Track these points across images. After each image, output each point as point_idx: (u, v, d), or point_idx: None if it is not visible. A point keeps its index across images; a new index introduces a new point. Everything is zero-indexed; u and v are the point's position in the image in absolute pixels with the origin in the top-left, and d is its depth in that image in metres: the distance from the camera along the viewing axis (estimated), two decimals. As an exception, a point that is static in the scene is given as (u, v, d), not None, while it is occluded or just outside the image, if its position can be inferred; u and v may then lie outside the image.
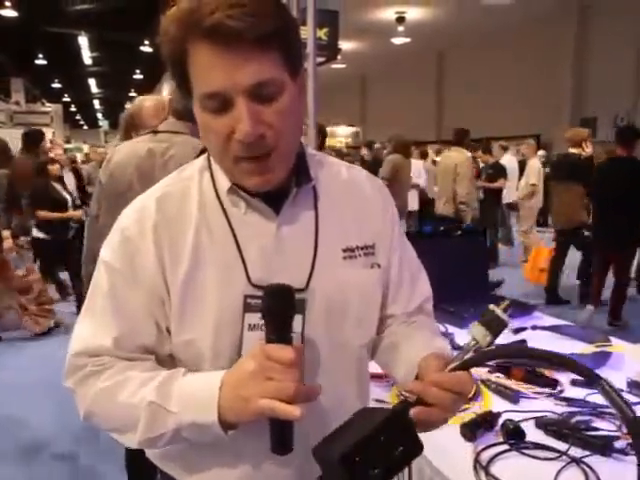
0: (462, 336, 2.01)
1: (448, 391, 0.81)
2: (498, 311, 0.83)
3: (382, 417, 0.78)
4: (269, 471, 0.94)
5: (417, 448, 0.80)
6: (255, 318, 0.88)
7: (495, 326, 0.83)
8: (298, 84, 0.88)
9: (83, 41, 17.42)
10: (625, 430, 1.38)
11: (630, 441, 1.32)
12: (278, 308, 0.82)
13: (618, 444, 1.31)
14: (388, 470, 0.77)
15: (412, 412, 0.81)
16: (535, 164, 8.32)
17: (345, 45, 14.43)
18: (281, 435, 0.80)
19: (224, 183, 0.93)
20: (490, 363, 1.71)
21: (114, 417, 0.89)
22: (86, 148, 18.59)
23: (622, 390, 1.61)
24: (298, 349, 0.80)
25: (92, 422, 0.92)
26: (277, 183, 0.90)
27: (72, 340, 0.94)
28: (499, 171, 8.39)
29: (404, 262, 1.08)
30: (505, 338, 2.02)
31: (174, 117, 2.19)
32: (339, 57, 8.56)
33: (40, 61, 19.85)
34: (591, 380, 0.73)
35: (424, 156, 10.22)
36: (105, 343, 0.90)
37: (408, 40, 15.07)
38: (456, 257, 2.45)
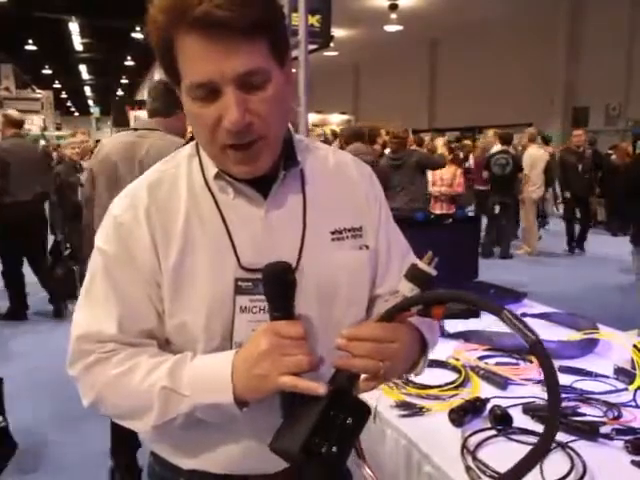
0: (452, 324, 2.03)
1: (369, 340, 0.84)
2: (421, 264, 0.87)
3: (325, 398, 0.81)
4: (262, 448, 0.94)
5: (364, 412, 0.84)
6: (246, 300, 0.91)
7: (421, 279, 0.87)
8: (285, 72, 0.89)
9: (74, 27, 17.22)
10: (611, 415, 1.40)
11: (616, 426, 1.35)
12: (279, 286, 0.84)
13: (604, 429, 1.33)
14: (345, 443, 0.82)
15: (337, 363, 0.84)
16: (529, 153, 8.36)
17: (338, 32, 14.35)
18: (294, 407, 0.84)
19: (212, 169, 0.94)
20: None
21: (125, 403, 0.91)
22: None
23: (609, 377, 1.64)
24: (303, 323, 0.84)
25: (99, 409, 0.93)
26: (264, 170, 0.91)
27: (72, 326, 0.94)
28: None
29: (392, 243, 1.09)
30: (494, 325, 2.04)
31: (148, 116, 2.84)
32: (332, 44, 8.53)
33: (30, 47, 19.63)
34: (495, 312, 0.77)
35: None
36: (108, 328, 0.91)
37: (401, 28, 15.02)
38: (446, 245, 2.46)
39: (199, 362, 0.88)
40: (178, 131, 2.83)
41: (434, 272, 0.87)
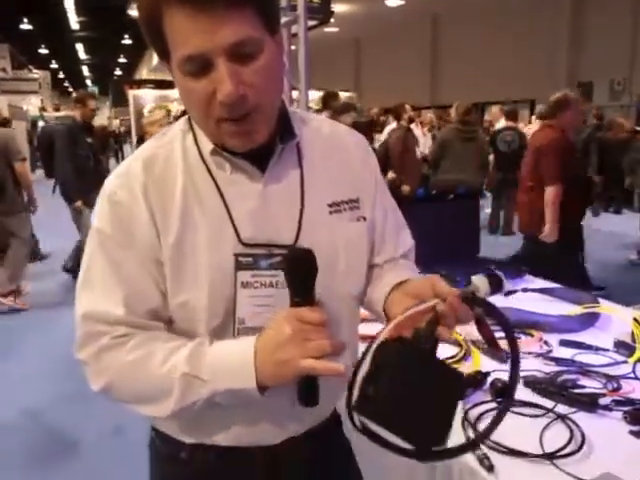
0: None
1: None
2: (499, 274, 0.91)
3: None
4: (270, 423, 0.98)
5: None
6: (247, 276, 0.90)
7: (495, 283, 0.90)
8: (277, 42, 0.87)
9: (69, 4, 16.99)
10: (611, 387, 1.41)
11: (615, 398, 1.36)
12: (302, 272, 0.84)
13: (603, 401, 1.34)
14: None
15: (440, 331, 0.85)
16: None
17: (338, 8, 14.14)
18: (312, 390, 0.85)
19: (207, 145, 0.92)
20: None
21: (142, 389, 0.90)
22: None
23: (609, 350, 1.65)
24: (324, 309, 0.84)
25: (111, 395, 0.92)
26: (261, 142, 0.90)
27: (77, 309, 0.92)
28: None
29: (388, 213, 1.09)
30: (496, 300, 2.05)
31: None
32: (332, 20, 8.40)
33: (25, 25, 19.43)
34: None
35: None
36: (115, 309, 0.89)
37: (402, 2, 14.81)
38: (448, 221, 2.47)
39: (219, 347, 0.88)
40: None
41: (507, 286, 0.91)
